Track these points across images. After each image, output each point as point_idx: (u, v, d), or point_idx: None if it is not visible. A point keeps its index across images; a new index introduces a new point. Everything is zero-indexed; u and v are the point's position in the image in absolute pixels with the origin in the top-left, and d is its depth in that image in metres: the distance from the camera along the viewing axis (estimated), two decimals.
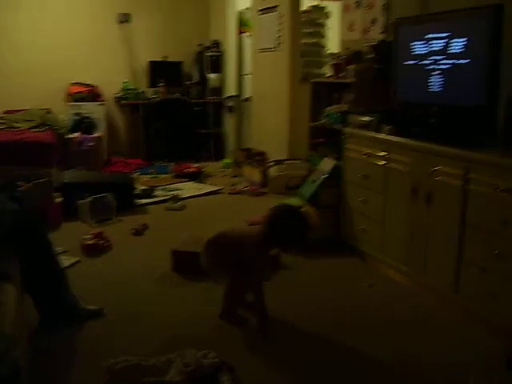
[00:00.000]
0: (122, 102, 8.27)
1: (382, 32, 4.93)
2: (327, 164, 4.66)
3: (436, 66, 3.71)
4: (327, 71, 6.34)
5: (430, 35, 3.74)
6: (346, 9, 5.54)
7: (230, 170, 7.62)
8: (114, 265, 4.13)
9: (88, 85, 7.96)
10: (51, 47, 7.89)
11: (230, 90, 8.64)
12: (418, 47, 3.88)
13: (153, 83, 8.40)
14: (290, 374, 2.74)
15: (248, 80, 8.23)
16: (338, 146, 4.62)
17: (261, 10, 7.14)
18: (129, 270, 4.03)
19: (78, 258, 4.17)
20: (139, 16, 8.39)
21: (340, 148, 4.50)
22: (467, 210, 3.18)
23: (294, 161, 6.39)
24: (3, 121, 6.87)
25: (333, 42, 6.54)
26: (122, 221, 5.20)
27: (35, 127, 6.77)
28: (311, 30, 6.77)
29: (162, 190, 6.43)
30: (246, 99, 8.17)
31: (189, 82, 8.70)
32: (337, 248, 4.42)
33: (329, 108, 5.13)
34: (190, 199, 6.09)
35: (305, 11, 6.75)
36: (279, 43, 6.70)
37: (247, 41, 8.17)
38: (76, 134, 7.18)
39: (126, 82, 8.32)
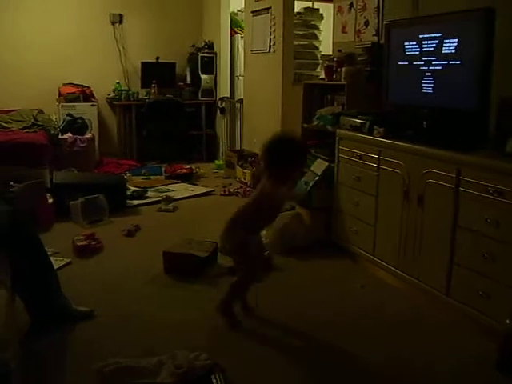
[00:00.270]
0: (115, 102, 8.25)
1: (375, 34, 4.94)
2: (319, 166, 4.67)
3: (428, 67, 3.73)
4: (320, 73, 6.36)
5: (423, 36, 3.75)
6: (338, 11, 5.55)
7: (222, 171, 7.62)
8: (106, 266, 4.12)
9: (80, 85, 7.94)
10: (43, 47, 7.88)
11: (223, 91, 8.65)
12: (411, 48, 3.89)
13: (145, 84, 8.38)
14: (282, 375, 2.74)
15: (241, 81, 8.24)
16: (330, 148, 4.62)
17: (254, 12, 7.14)
18: (120, 271, 4.02)
19: (69, 259, 4.16)
20: (132, 16, 8.40)
21: (332, 150, 4.50)
22: (459, 212, 3.19)
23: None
24: None
25: (326, 44, 6.55)
26: (113, 222, 5.19)
27: (27, 128, 6.74)
28: (304, 32, 6.77)
29: (154, 191, 6.42)
30: (239, 101, 8.17)
31: (181, 83, 8.69)
32: (329, 250, 4.42)
33: (321, 110, 5.14)
34: (182, 200, 6.09)
35: (298, 13, 6.75)
36: (272, 45, 6.70)
37: (240, 42, 8.19)
38: (68, 135, 7.15)
39: (118, 83, 8.31)
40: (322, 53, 6.69)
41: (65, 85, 7.92)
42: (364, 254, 4.14)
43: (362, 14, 5.17)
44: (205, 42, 8.65)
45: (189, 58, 8.73)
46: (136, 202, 5.93)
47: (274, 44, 6.65)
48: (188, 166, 7.43)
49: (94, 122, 7.72)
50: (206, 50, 8.56)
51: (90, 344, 2.98)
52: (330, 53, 5.76)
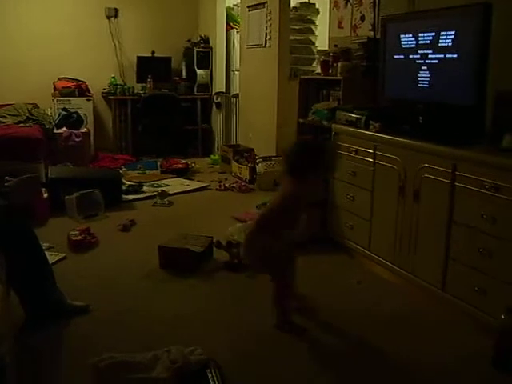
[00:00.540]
0: (110, 97, 8.24)
1: (371, 29, 4.93)
2: None
3: (424, 61, 3.72)
4: (316, 68, 6.35)
5: (419, 30, 3.75)
6: (335, 6, 5.54)
7: (217, 166, 7.62)
8: (101, 261, 4.11)
9: (75, 80, 7.93)
10: (38, 41, 7.84)
11: (219, 86, 8.63)
12: (407, 41, 3.88)
13: (141, 79, 8.36)
14: (277, 371, 2.74)
15: (236, 76, 8.23)
16: (326, 141, 4.61)
17: (250, 7, 7.13)
18: (116, 266, 4.01)
19: (64, 254, 4.15)
20: (127, 11, 8.37)
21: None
22: (454, 208, 3.19)
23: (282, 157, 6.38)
24: None
25: (322, 39, 6.53)
26: (109, 217, 5.18)
27: (22, 122, 6.73)
28: (300, 27, 6.76)
29: (150, 185, 6.40)
30: (235, 95, 8.16)
31: (177, 78, 8.67)
32: (324, 245, 4.42)
33: (317, 105, 5.13)
34: (178, 195, 6.08)
35: (294, 8, 6.74)
36: (268, 39, 6.69)
37: (236, 37, 8.17)
38: (63, 130, 7.13)
39: (113, 78, 8.29)
40: (318, 48, 6.67)
41: (60, 79, 7.90)
42: (360, 249, 4.13)
43: (358, 9, 5.16)
44: (200, 36, 8.62)
45: (184, 52, 8.71)
46: (131, 196, 5.92)
47: (270, 39, 6.64)
48: (183, 161, 7.41)
49: (89, 117, 7.72)
50: (202, 45, 8.54)
51: (85, 339, 2.97)
52: (326, 48, 5.75)
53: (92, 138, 7.68)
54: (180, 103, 8.23)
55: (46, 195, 5.22)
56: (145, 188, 6.26)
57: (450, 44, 3.50)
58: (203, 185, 6.58)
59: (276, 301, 3.14)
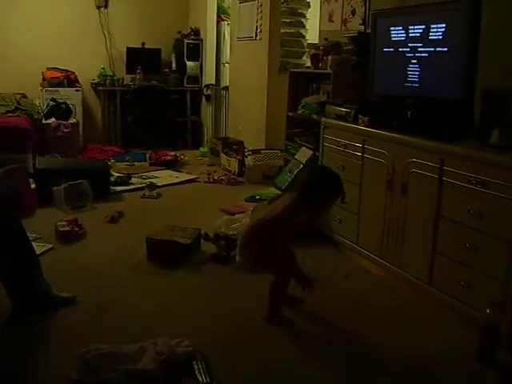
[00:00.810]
0: (99, 88, 8.20)
1: (362, 23, 4.93)
2: (304, 154, 4.68)
3: (414, 54, 3.72)
4: (306, 61, 6.35)
5: (409, 23, 3.75)
6: None
7: (206, 158, 7.60)
8: (89, 252, 4.10)
9: (64, 70, 7.89)
10: (27, 31, 7.77)
11: (209, 78, 8.61)
12: (396, 33, 3.89)
13: (130, 70, 8.32)
14: (264, 363, 2.75)
15: (226, 69, 8.21)
16: (314, 137, 4.62)
17: None
18: (103, 257, 4.00)
19: (51, 245, 4.14)
20: (118, 1, 8.34)
21: (317, 139, 4.50)
22: (442, 202, 3.21)
23: (271, 150, 6.40)
24: None
25: (312, 33, 6.53)
26: (97, 208, 5.16)
27: (10, 112, 6.68)
28: (291, 20, 6.73)
29: (138, 177, 6.39)
30: (224, 88, 8.15)
31: (167, 70, 8.64)
32: (312, 238, 4.42)
33: (306, 98, 5.14)
34: (166, 187, 6.07)
35: (285, 1, 6.72)
36: (258, 32, 6.67)
37: (226, 29, 8.15)
38: (52, 120, 7.10)
39: (103, 68, 8.25)
40: (309, 41, 6.66)
41: (49, 69, 7.86)
42: (348, 243, 4.15)
43: (348, 3, 5.17)
44: (191, 28, 8.60)
45: (174, 44, 8.68)
46: (120, 188, 5.90)
47: (261, 31, 6.63)
48: (172, 153, 7.39)
49: (78, 108, 7.68)
50: (192, 37, 8.52)
51: (71, 330, 2.96)
52: (317, 41, 5.75)
53: (81, 129, 7.64)
54: (170, 95, 8.21)
55: (33, 186, 5.19)
56: (133, 180, 6.24)
57: (440, 37, 3.51)
58: (192, 177, 6.57)
59: (273, 294, 3.15)
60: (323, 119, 4.44)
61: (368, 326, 3.14)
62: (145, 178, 6.32)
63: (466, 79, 3.35)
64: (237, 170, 6.63)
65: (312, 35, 6.50)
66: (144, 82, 8.19)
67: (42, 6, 7.84)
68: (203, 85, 8.65)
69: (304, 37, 6.79)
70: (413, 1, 4.05)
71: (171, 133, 8.39)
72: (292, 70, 5.66)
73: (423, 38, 3.64)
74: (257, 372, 2.67)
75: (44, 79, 7.74)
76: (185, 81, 8.57)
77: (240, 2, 7.12)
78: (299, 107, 5.19)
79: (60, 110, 7.23)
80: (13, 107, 6.80)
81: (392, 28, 3.92)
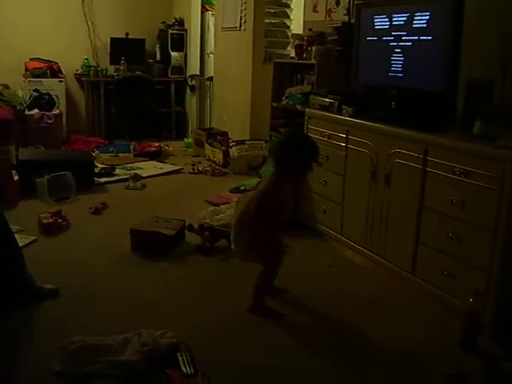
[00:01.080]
0: (83, 78, 8.13)
1: (346, 14, 4.93)
2: None
3: (398, 43, 3.72)
4: (290, 52, 6.34)
5: (393, 13, 3.75)
6: None
7: (191, 149, 7.58)
8: (72, 244, 4.08)
9: (47, 60, 7.81)
10: (9, 21, 7.68)
11: (193, 68, 8.57)
12: (380, 22, 3.88)
13: (114, 60, 8.26)
14: (247, 354, 2.75)
15: (211, 59, 8.18)
16: (299, 127, 4.62)
17: None
18: (87, 249, 3.99)
19: (34, 237, 4.11)
20: None
21: (301, 129, 4.49)
22: (425, 192, 3.22)
23: (255, 141, 6.39)
24: None
25: (297, 23, 6.52)
26: (80, 199, 5.14)
27: None
28: (275, 10, 6.73)
29: (123, 168, 6.36)
30: (209, 78, 8.12)
31: (151, 60, 8.59)
32: (297, 228, 4.41)
33: (291, 89, 5.13)
34: (151, 178, 6.05)
35: None
36: (243, 22, 6.65)
37: (211, 19, 8.11)
38: (35, 111, 7.04)
39: (86, 59, 8.18)
40: (293, 31, 6.66)
41: (32, 60, 7.78)
42: (332, 233, 4.16)
43: None
44: (175, 18, 8.55)
45: (159, 34, 8.62)
46: (104, 179, 5.88)
47: (245, 22, 6.61)
48: (157, 144, 7.36)
49: (61, 98, 7.61)
50: (177, 27, 8.47)
51: (55, 322, 2.96)
52: (301, 32, 5.74)
53: (64, 120, 7.59)
54: (154, 86, 8.16)
55: (16, 178, 5.16)
56: (117, 171, 6.21)
57: (424, 25, 3.50)
58: (176, 168, 6.55)
59: (259, 285, 3.14)
60: (307, 110, 4.44)
61: (352, 316, 3.15)
62: (129, 170, 6.29)
63: (449, 70, 3.35)
64: (221, 161, 6.63)
65: (296, 26, 6.50)
66: (128, 73, 8.15)
67: None
68: (188, 75, 8.61)
69: (288, 27, 6.80)
70: None
71: (155, 124, 8.35)
72: (276, 60, 5.65)
73: (407, 26, 3.63)
74: (241, 363, 2.67)
75: (27, 70, 7.67)
76: (169, 71, 8.52)
77: None
78: (283, 98, 5.19)
79: (43, 101, 7.16)
80: None
81: (375, 17, 3.91)
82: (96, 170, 5.95)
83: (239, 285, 3.41)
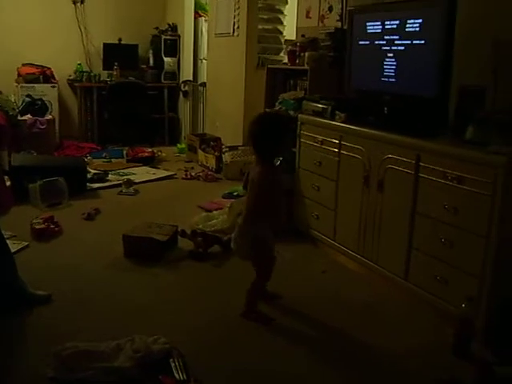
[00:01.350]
0: (76, 84, 8.12)
1: (339, 20, 4.94)
2: None
3: (390, 47, 3.73)
4: (283, 58, 6.35)
5: (385, 18, 3.77)
6: None
7: (184, 155, 7.58)
8: (65, 250, 4.07)
9: (40, 66, 7.80)
10: (1, 26, 7.66)
11: (186, 74, 8.57)
12: (373, 26, 3.90)
13: (107, 66, 8.25)
14: (240, 359, 2.75)
15: (204, 65, 8.19)
16: (292, 133, 4.61)
17: None
18: (79, 255, 3.98)
19: (27, 243, 4.10)
20: None
21: (294, 135, 4.50)
22: (418, 198, 3.23)
23: (248, 147, 6.38)
24: None
25: (290, 29, 6.53)
26: (73, 205, 5.13)
27: None
28: (268, 16, 6.73)
29: (115, 174, 6.35)
30: (202, 84, 8.12)
31: (144, 66, 8.59)
32: (290, 234, 4.42)
33: (283, 94, 5.13)
34: (144, 184, 6.04)
35: None
36: (236, 28, 6.66)
37: (204, 25, 8.12)
38: (27, 116, 7.02)
39: (79, 64, 8.17)
40: (286, 37, 6.67)
41: (24, 65, 7.76)
42: (325, 238, 4.16)
43: (325, 0, 5.16)
44: (168, 24, 8.55)
45: (152, 40, 8.62)
46: (96, 185, 5.87)
47: (238, 28, 6.62)
48: (150, 150, 7.36)
49: (54, 104, 7.61)
50: (170, 33, 8.47)
51: (47, 328, 2.95)
52: (294, 38, 5.75)
53: (57, 125, 7.58)
54: (147, 91, 8.16)
55: (8, 183, 5.13)
56: (110, 176, 6.20)
57: (417, 29, 3.51)
58: (169, 174, 6.54)
59: (252, 291, 3.14)
60: (300, 115, 4.44)
61: (345, 322, 3.15)
62: (122, 175, 6.29)
63: (441, 75, 3.37)
64: (214, 167, 6.63)
65: (289, 32, 6.51)
66: (121, 78, 8.14)
67: (18, 1, 7.74)
68: (181, 81, 8.61)
69: (281, 33, 6.80)
70: None
71: (148, 129, 8.34)
72: (269, 66, 5.66)
73: (400, 30, 3.64)
74: (234, 368, 2.67)
75: (19, 75, 7.65)
76: (162, 77, 8.52)
77: None
78: (276, 103, 5.18)
79: (36, 107, 7.15)
80: None
81: (368, 22, 3.93)
82: (89, 176, 5.94)
83: (232, 290, 3.41)
